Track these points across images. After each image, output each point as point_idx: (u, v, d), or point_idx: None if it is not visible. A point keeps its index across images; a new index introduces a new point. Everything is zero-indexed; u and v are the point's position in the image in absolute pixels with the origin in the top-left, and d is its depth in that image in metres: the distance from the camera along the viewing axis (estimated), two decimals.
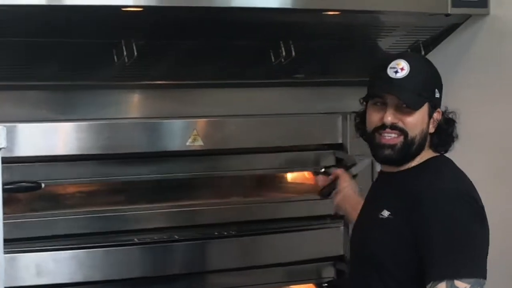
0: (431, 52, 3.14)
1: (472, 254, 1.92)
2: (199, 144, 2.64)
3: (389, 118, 1.94)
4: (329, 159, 2.90)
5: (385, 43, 3.00)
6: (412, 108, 1.92)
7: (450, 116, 2.03)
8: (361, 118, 2.10)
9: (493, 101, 3.06)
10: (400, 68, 1.95)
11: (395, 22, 2.90)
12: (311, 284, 3.03)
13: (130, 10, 2.29)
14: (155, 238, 2.61)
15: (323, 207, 2.94)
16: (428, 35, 3.06)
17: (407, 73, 1.93)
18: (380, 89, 1.97)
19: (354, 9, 2.69)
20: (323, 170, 2.81)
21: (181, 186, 2.84)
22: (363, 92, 3.14)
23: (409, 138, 1.95)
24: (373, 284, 2.03)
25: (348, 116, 2.97)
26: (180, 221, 2.71)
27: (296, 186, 3.09)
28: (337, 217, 2.91)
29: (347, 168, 2.69)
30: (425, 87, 1.96)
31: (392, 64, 1.95)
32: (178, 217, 2.72)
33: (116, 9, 2.26)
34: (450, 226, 1.94)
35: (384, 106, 1.94)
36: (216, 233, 2.71)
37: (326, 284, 2.94)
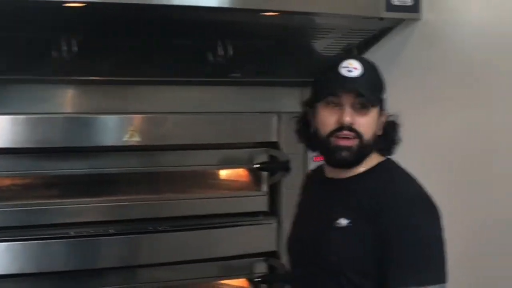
0: (363, 55, 3.13)
1: (436, 259, 1.88)
2: (136, 140, 2.63)
3: (347, 118, 1.85)
4: (263, 157, 2.93)
5: (320, 45, 3.01)
6: (372, 104, 1.85)
7: (393, 119, 1.98)
8: (304, 123, 2.00)
9: (421, 105, 3.10)
10: (353, 68, 1.88)
11: (330, 24, 2.91)
12: (243, 280, 3.04)
13: (71, 6, 2.26)
14: (91, 231, 2.59)
15: (256, 204, 2.99)
16: (362, 38, 3.09)
17: (361, 73, 1.87)
18: (336, 88, 1.87)
19: (292, 10, 2.68)
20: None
21: (117, 181, 2.82)
22: (297, 92, 3.16)
23: (363, 140, 1.88)
24: None
25: (283, 116, 3.00)
26: (116, 215, 2.70)
27: (230, 183, 3.10)
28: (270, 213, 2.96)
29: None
30: (376, 87, 1.91)
31: (344, 63, 1.88)
32: (114, 212, 2.70)
33: (57, 4, 2.24)
34: (415, 232, 1.88)
35: (338, 107, 1.85)
36: (150, 228, 2.71)
37: (259, 279, 2.95)
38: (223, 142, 2.92)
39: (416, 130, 3.07)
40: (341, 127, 1.85)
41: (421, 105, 3.11)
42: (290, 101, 3.11)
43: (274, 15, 2.73)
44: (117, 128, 2.65)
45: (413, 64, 3.16)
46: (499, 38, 2.87)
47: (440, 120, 3.04)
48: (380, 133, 1.90)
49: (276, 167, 3.04)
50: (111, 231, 2.63)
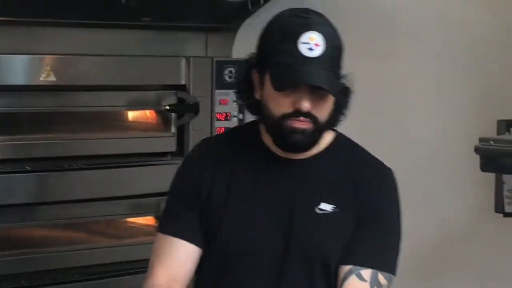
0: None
1: (397, 249, 1.81)
2: (51, 79, 2.65)
3: (306, 104, 1.65)
4: (172, 99, 3.00)
5: None
6: (334, 94, 1.67)
7: (345, 84, 1.77)
8: (248, 86, 1.78)
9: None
10: (314, 44, 1.64)
11: None
12: (151, 217, 3.11)
13: None
14: (8, 168, 2.61)
15: (165, 145, 3.06)
16: None
17: (323, 51, 1.63)
18: (296, 80, 1.63)
19: None
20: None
21: (33, 120, 2.82)
22: (204, 37, 3.30)
23: (320, 123, 1.69)
24: (317, 283, 1.76)
25: (192, 60, 3.09)
26: (31, 153, 2.71)
27: (141, 124, 3.16)
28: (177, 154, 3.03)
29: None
30: (338, 63, 1.70)
31: (304, 38, 1.63)
32: (30, 149, 2.71)
33: None
34: (392, 215, 1.81)
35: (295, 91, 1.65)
36: (66, 166, 2.75)
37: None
38: (134, 84, 2.96)
39: None
40: (297, 113, 1.67)
41: None
42: (198, 45, 3.32)
43: None
44: (34, 68, 2.65)
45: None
46: None
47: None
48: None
49: (185, 109, 3.11)
50: (27, 168, 2.66)
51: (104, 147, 2.92)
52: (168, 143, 3.05)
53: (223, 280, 1.78)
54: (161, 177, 3.05)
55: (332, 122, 1.73)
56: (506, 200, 2.81)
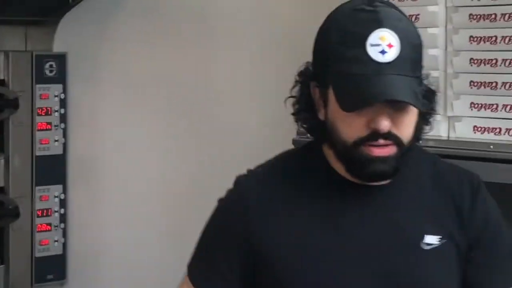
0: None
1: None
2: None
3: (386, 123, 1.31)
4: None
5: None
6: (420, 107, 1.32)
7: (430, 86, 1.42)
8: (307, 103, 1.42)
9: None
10: (387, 45, 1.31)
11: None
12: None
13: None
14: None
15: None
16: None
17: (398, 52, 1.30)
18: (368, 93, 1.29)
19: None
20: None
21: None
22: (23, 31, 3.24)
23: (404, 145, 1.36)
24: None
25: (10, 54, 3.10)
26: None
27: None
28: None
29: None
30: (420, 65, 1.36)
31: (373, 38, 1.31)
32: None
33: None
34: (504, 225, 1.52)
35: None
36: None
37: None
38: None
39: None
40: (375, 135, 1.33)
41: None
42: (17, 39, 3.32)
43: None
44: None
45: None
46: None
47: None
48: None
49: (4, 104, 3.12)
50: None
51: None
52: None
53: None
54: None
55: (417, 137, 1.41)
56: None
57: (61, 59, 3.54)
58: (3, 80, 3.11)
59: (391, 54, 1.27)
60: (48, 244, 3.24)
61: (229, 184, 1.59)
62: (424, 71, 1.36)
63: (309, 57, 1.52)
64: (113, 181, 3.49)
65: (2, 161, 3.18)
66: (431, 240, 1.38)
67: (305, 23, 3.32)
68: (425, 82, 1.37)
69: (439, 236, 1.39)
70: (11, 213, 2.95)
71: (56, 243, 3.16)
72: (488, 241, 1.44)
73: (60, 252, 3.17)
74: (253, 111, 3.20)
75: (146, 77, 3.37)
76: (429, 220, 1.41)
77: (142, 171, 3.39)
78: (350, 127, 1.31)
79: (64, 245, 3.19)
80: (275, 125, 3.08)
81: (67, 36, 3.60)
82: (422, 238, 1.38)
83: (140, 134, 3.42)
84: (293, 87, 1.44)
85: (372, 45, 1.27)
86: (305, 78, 1.41)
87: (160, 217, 3.25)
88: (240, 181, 1.48)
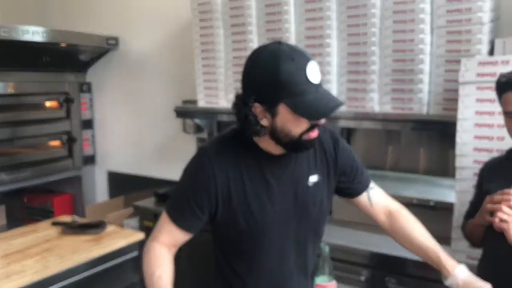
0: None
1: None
2: None
3: (323, 120, 1.76)
4: None
5: None
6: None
7: None
8: (252, 115, 1.76)
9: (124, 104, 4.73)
10: (317, 71, 1.68)
11: None
12: None
13: None
14: None
15: None
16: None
17: (321, 76, 1.69)
18: (323, 106, 1.66)
19: None
20: None
21: None
22: (74, 74, 4.63)
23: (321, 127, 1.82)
24: (309, 248, 2.04)
25: (70, 83, 4.40)
26: None
27: None
28: None
29: None
30: None
31: (311, 67, 1.65)
32: None
33: None
34: (354, 156, 2.11)
35: None
36: None
37: None
38: None
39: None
40: (314, 127, 1.77)
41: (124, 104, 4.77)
42: (72, 76, 4.90)
43: None
44: None
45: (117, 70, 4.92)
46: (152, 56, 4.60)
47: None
48: None
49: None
50: None
51: None
52: None
53: (260, 249, 1.96)
54: None
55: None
56: None
57: (89, 84, 5.41)
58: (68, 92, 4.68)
59: (319, 77, 1.65)
60: None
61: None
62: None
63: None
64: None
65: None
66: (313, 179, 1.94)
67: None
68: None
69: (317, 175, 1.94)
70: None
71: None
72: (350, 166, 2.01)
73: None
74: None
75: (126, 95, 5.03)
76: (312, 167, 1.94)
77: None
78: (298, 126, 1.71)
79: None
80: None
81: (92, 75, 5.41)
82: (308, 178, 1.92)
83: (130, 124, 5.04)
84: (235, 106, 1.77)
85: (310, 72, 1.62)
86: (246, 102, 1.73)
87: None
88: (206, 151, 1.91)
